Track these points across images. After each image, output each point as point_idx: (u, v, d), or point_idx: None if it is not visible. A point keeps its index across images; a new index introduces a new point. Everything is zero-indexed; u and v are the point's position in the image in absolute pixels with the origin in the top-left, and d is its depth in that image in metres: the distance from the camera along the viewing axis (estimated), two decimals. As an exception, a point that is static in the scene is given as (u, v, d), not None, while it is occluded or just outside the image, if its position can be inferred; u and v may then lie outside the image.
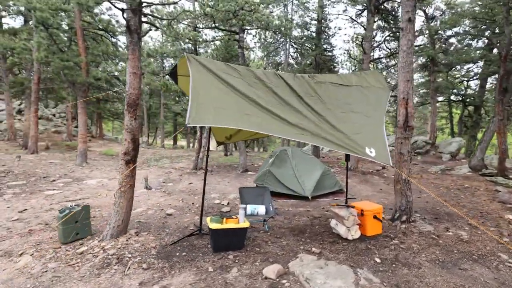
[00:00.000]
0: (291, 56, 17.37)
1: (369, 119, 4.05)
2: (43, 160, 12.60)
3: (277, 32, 10.19)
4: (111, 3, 3.84)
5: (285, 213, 5.74)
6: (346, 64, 19.06)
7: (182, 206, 6.13)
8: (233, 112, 3.47)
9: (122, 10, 3.55)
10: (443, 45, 15.85)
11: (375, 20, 10.18)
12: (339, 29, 23.92)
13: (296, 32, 14.17)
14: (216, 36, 11.59)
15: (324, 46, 12.93)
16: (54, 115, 27.53)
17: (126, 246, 3.74)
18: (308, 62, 13.79)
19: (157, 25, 10.48)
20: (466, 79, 18.79)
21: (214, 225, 3.67)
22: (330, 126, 3.77)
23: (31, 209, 5.85)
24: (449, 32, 15.14)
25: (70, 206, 4.16)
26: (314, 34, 12.96)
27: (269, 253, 3.76)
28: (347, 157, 4.89)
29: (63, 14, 11.89)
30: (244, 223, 3.81)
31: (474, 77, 18.03)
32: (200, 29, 10.83)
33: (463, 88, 18.63)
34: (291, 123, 3.60)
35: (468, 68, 18.19)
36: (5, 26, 16.83)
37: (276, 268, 3.20)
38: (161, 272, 3.20)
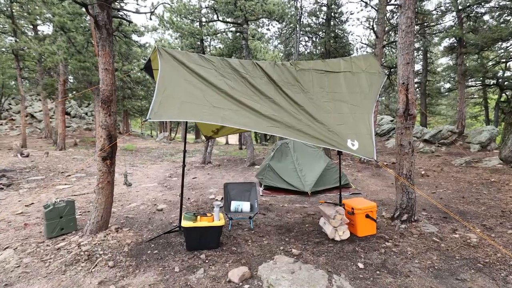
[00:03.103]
0: (304, 45, 16.63)
1: (356, 108, 3.64)
2: (68, 156, 13.39)
3: (280, 21, 9.72)
4: (74, 0, 3.74)
5: (278, 210, 5.47)
6: (363, 51, 17.90)
7: (176, 201, 6.09)
8: (200, 106, 3.29)
9: (85, 5, 3.45)
10: (473, 23, 14.14)
11: (388, 1, 9.28)
12: (351, 14, 22.45)
13: (307, 20, 13.46)
14: (221, 29, 11.34)
15: (336, 33, 12.13)
16: (86, 113, 29.44)
17: (101, 243, 3.73)
18: (318, 50, 13.08)
19: (129, 19, 10.50)
20: (504, 60, 16.74)
21: (186, 223, 3.53)
22: (309, 117, 3.45)
23: (37, 203, 6.16)
24: (481, 10, 13.47)
25: (55, 201, 4.25)
26: (324, 21, 12.21)
27: (245, 254, 3.55)
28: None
29: (80, 17, 12.39)
30: (218, 222, 3.62)
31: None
32: (204, 23, 10.68)
33: (500, 70, 16.62)
34: (264, 115, 3.33)
35: (507, 48, 16.17)
36: (40, 33, 18.04)
37: (242, 271, 2.98)
38: (125, 271, 3.12)
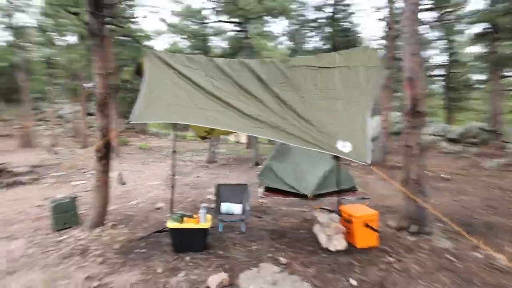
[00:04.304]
0: (310, 41, 15.93)
1: (351, 105, 3.38)
2: (88, 154, 14.26)
3: (281, 17, 9.47)
4: (67, 11, 3.90)
5: (275, 213, 5.30)
6: (374, 44, 16.76)
7: (175, 200, 6.14)
8: (186, 107, 3.29)
9: (76, 14, 3.59)
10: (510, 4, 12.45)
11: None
12: (359, 5, 20.92)
13: (313, 15, 12.92)
14: (223, 29, 11.34)
15: (344, 26, 11.51)
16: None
17: (96, 238, 3.86)
18: (325, 46, 12.52)
19: (122, 25, 10.79)
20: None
21: (171, 224, 3.51)
22: (297, 117, 3.27)
23: (54, 197, 6.58)
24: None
25: (60, 198, 4.48)
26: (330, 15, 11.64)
27: (230, 259, 3.45)
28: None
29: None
30: (203, 224, 3.55)
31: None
32: (206, 24, 10.75)
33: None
34: (249, 116, 3.24)
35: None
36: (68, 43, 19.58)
37: (221, 278, 2.88)
38: (112, 268, 3.18)
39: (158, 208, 5.43)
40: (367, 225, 3.66)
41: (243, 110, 3.25)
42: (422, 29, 12.38)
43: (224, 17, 11.40)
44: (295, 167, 6.60)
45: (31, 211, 5.39)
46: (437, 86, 20.89)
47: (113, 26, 9.98)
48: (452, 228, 4.23)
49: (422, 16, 10.76)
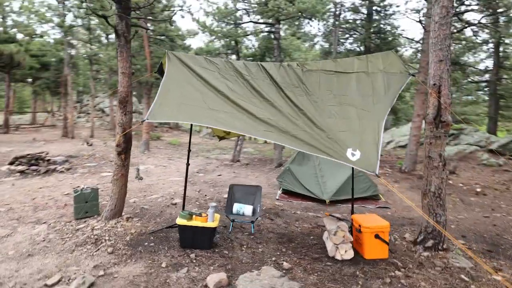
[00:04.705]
0: (343, 43, 15.36)
1: (365, 113, 3.25)
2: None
3: (313, 19, 9.22)
4: (95, 13, 4.16)
5: (289, 216, 5.22)
6: (410, 47, 15.68)
7: (193, 196, 6.32)
8: (197, 108, 3.36)
9: (105, 17, 3.80)
10: None
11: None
12: (397, 6, 19.83)
13: (349, 16, 12.51)
14: (253, 29, 11.36)
15: (379, 28, 10.93)
16: (143, 109, 32.98)
17: (111, 229, 4.08)
18: (358, 47, 12.03)
19: (148, 27, 11.04)
20: None
21: (180, 221, 3.61)
22: (309, 122, 3.21)
23: (83, 186, 7.08)
24: None
25: (82, 188, 4.80)
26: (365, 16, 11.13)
27: (234, 259, 3.47)
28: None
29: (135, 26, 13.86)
30: (211, 223, 3.61)
31: None
32: (237, 25, 10.84)
33: None
34: (259, 118, 3.22)
35: None
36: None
37: (220, 277, 2.91)
38: (120, 259, 3.34)
39: (175, 204, 5.61)
40: (377, 236, 3.48)
41: (254, 113, 3.24)
42: (467, 31, 11.36)
43: (256, 18, 11.50)
44: (315, 171, 6.48)
45: (60, 199, 5.84)
46: (482, 93, 19.24)
47: (148, 27, 10.51)
48: (473, 246, 3.90)
49: (467, 17, 9.93)
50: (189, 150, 4.43)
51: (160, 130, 23.64)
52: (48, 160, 8.99)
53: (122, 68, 4.13)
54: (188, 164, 4.50)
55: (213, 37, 10.54)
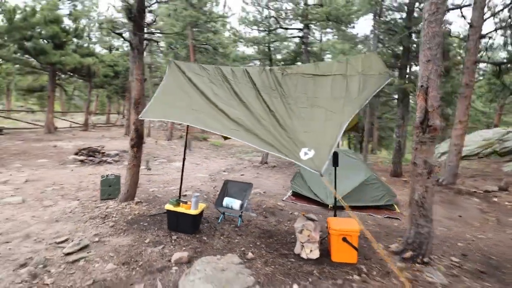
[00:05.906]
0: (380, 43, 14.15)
1: (333, 115, 3.31)
2: (169, 146, 16.87)
3: (348, 25, 8.95)
4: (113, 31, 5.01)
5: (284, 216, 5.33)
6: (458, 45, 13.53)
7: (206, 191, 6.89)
8: (183, 109, 3.85)
9: (121, 34, 4.63)
10: None
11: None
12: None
13: (388, 16, 11.59)
14: (284, 35, 11.54)
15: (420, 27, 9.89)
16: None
17: (120, 209, 4.87)
18: (396, 48, 11.08)
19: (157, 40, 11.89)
20: None
21: (168, 206, 4.15)
22: (275, 122, 3.43)
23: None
24: None
25: (108, 175, 5.78)
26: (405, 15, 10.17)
27: (208, 244, 3.84)
28: (334, 158, 4.09)
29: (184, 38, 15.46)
30: (192, 211, 4.04)
31: None
32: (270, 31, 11.20)
33: None
34: (231, 118, 3.57)
35: None
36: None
37: (181, 255, 3.32)
38: (116, 232, 4.03)
39: (185, 195, 6.25)
40: (344, 239, 3.43)
41: (228, 113, 3.57)
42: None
43: (287, 24, 11.84)
44: (326, 175, 6.41)
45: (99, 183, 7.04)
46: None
47: (157, 41, 11.74)
48: (466, 265, 3.51)
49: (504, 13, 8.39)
50: (185, 148, 4.98)
51: (207, 132, 25.39)
52: (103, 153, 10.76)
53: (136, 75, 4.93)
54: (184, 159, 5.05)
55: (244, 44, 11.15)
